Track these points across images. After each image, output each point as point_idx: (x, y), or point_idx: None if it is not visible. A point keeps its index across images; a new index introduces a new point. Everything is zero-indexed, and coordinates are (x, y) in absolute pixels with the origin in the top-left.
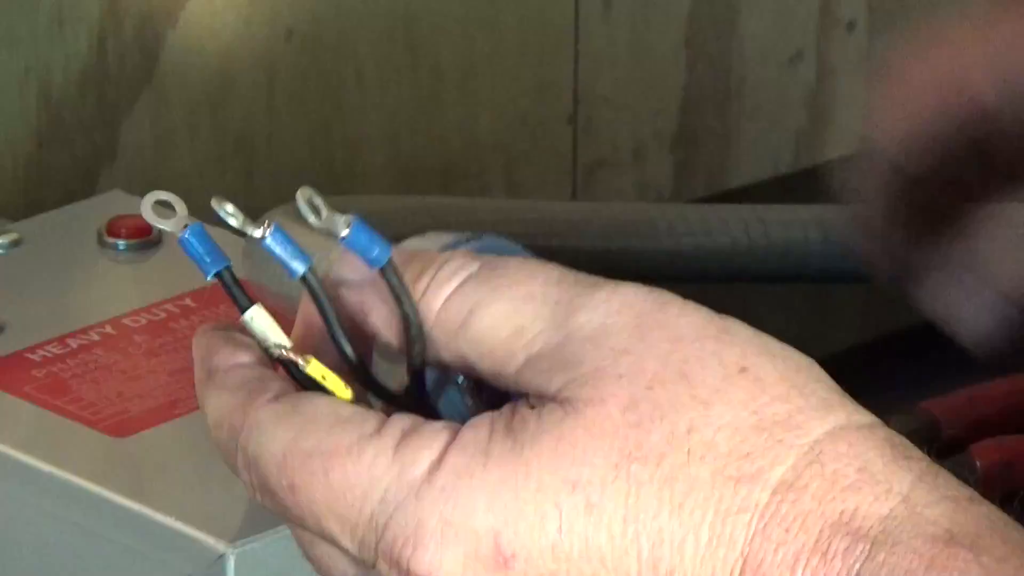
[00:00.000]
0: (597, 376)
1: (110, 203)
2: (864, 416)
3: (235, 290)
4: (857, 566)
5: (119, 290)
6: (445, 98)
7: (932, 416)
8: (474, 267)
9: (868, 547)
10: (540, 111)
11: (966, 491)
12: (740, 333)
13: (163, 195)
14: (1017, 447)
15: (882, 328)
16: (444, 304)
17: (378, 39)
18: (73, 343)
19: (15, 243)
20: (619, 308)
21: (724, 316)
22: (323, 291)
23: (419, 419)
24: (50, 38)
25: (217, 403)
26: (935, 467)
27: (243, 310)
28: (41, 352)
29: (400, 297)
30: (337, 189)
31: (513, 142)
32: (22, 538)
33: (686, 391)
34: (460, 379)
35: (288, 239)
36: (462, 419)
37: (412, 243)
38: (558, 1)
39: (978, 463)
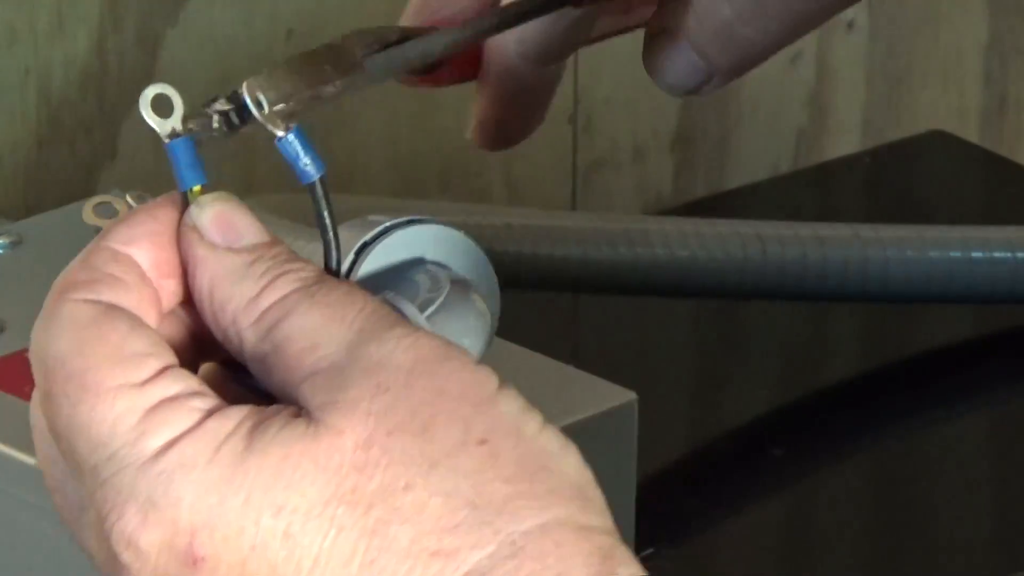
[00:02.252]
0: (350, 406)
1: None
2: (593, 517)
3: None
4: None
5: None
6: (445, 98)
7: None
8: (311, 278)
9: None
10: None
11: None
12: (506, 406)
13: (162, 88)
14: None
15: (881, 349)
16: (270, 305)
17: None
18: None
19: (15, 243)
20: (404, 348)
21: (505, 388)
22: (327, 203)
23: (193, 388)
24: (50, 38)
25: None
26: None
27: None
28: None
29: (323, 222)
30: (337, 189)
31: None
32: (22, 538)
33: (419, 447)
34: None
35: (308, 143)
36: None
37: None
38: None
39: None
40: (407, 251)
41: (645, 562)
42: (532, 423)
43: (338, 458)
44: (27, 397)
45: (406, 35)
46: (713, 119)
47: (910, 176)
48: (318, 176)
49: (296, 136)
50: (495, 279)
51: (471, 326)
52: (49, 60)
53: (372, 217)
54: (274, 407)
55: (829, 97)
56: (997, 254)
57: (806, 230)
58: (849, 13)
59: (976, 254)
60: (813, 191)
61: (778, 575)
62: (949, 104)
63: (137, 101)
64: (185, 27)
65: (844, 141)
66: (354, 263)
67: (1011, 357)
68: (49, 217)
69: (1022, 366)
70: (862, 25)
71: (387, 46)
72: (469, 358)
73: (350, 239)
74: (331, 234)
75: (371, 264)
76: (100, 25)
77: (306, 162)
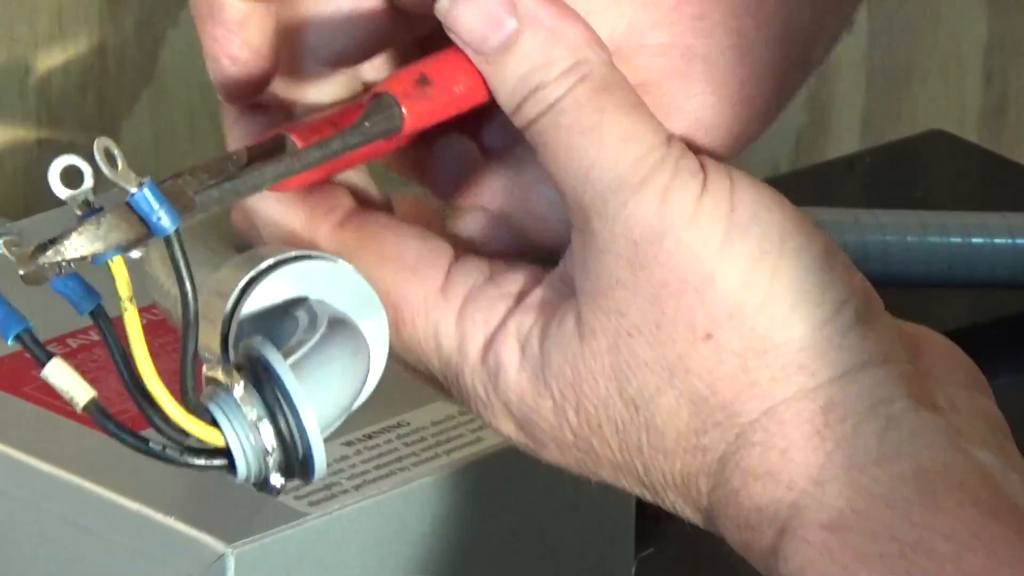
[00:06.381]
0: (599, 303)
1: (110, 203)
2: (819, 370)
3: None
4: (774, 556)
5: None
6: None
7: None
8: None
9: (776, 535)
10: None
11: (887, 447)
12: (726, 280)
13: (72, 160)
14: None
15: None
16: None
17: None
18: (73, 343)
19: (15, 243)
20: (624, 229)
21: (723, 249)
22: (183, 255)
23: (483, 271)
24: (50, 38)
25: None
26: (859, 432)
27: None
28: None
29: (180, 276)
30: None
31: None
32: (22, 538)
33: (655, 351)
34: (237, 385)
35: (161, 197)
36: (235, 426)
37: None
38: None
39: None
40: (293, 287)
41: (645, 562)
42: (757, 290)
43: (599, 363)
44: (27, 397)
45: (252, 155)
46: None
47: (910, 176)
48: (173, 229)
49: (150, 190)
50: (383, 312)
51: (347, 365)
52: (49, 60)
53: (260, 251)
54: (551, 291)
55: (829, 97)
56: (997, 240)
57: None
58: None
59: (976, 240)
60: (813, 191)
61: None
62: (949, 104)
63: (137, 101)
64: (185, 27)
65: (844, 141)
66: (239, 299)
67: (1012, 343)
68: (49, 217)
69: (1023, 352)
70: (862, 25)
71: (223, 179)
72: (682, 221)
73: (237, 273)
74: (188, 287)
75: (255, 301)
76: (100, 25)
77: (160, 215)
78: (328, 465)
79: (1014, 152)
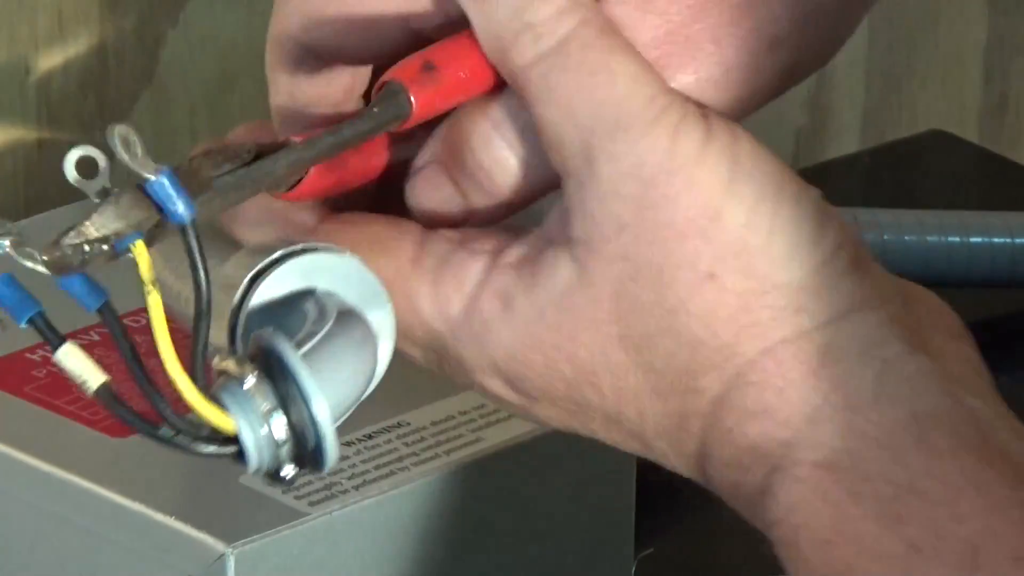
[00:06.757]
0: (600, 248)
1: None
2: (817, 310)
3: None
4: (764, 495)
5: (119, 290)
6: None
7: None
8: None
9: (768, 473)
10: None
11: (883, 390)
12: (732, 217)
13: (87, 150)
14: None
15: None
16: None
17: None
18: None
19: (19, 242)
20: (630, 169)
21: (729, 187)
22: (199, 245)
23: (452, 237)
24: (50, 38)
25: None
26: (855, 374)
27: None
28: (41, 352)
29: (195, 264)
30: None
31: None
32: (22, 538)
33: (658, 294)
34: (250, 376)
35: (179, 185)
36: (245, 413)
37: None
38: None
39: None
40: (300, 279)
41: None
42: (760, 230)
43: (600, 309)
44: (27, 397)
45: (260, 152)
46: None
47: (910, 176)
48: (189, 219)
49: (167, 178)
50: (389, 304)
51: (356, 357)
52: (49, 60)
53: (268, 243)
54: (528, 247)
55: (829, 97)
56: (995, 239)
57: None
58: None
59: (974, 239)
60: None
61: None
62: (949, 104)
63: (137, 101)
64: (185, 27)
65: (844, 141)
66: (247, 291)
67: (1010, 342)
68: (49, 217)
69: (1021, 351)
70: (862, 25)
71: (238, 166)
72: (689, 163)
73: (245, 266)
74: (202, 276)
75: (263, 293)
76: (100, 25)
77: (177, 205)
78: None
79: (1014, 152)
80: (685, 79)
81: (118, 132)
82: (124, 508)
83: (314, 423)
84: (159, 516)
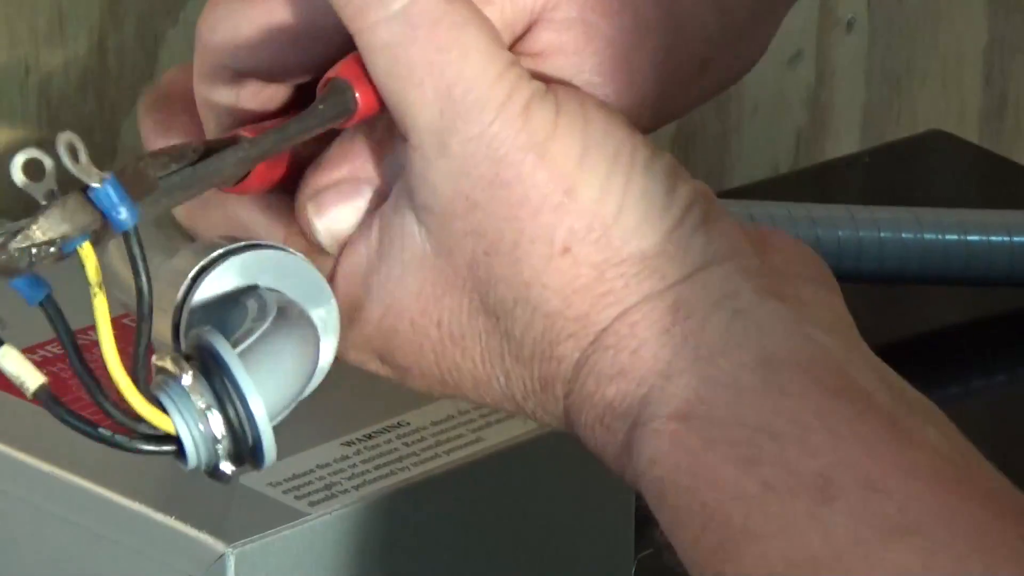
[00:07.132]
0: (448, 225)
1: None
2: (669, 270)
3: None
4: (627, 452)
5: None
6: None
7: None
8: None
9: (629, 430)
10: None
11: (732, 337)
12: (583, 195)
13: (33, 153)
14: None
15: (875, 331)
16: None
17: None
18: (49, 351)
19: None
20: (486, 148)
21: (581, 162)
22: (141, 250)
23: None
24: (50, 38)
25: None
26: (706, 326)
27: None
28: (41, 352)
29: (137, 269)
30: None
31: None
32: (22, 538)
33: (513, 269)
34: (186, 374)
35: (122, 192)
36: (181, 412)
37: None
38: None
39: None
40: (243, 276)
41: (645, 562)
42: (612, 201)
43: (459, 277)
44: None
45: (209, 148)
46: (713, 119)
47: (910, 176)
48: (132, 225)
49: (111, 186)
50: (334, 300)
51: (295, 353)
52: (49, 60)
53: (213, 240)
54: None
55: (829, 97)
56: (994, 237)
57: (800, 210)
58: (848, 12)
59: (972, 237)
60: (813, 191)
61: None
62: (949, 104)
63: (137, 101)
64: (185, 27)
65: (844, 141)
66: (189, 288)
67: (1008, 340)
68: None
69: (1019, 349)
70: (862, 25)
71: (184, 166)
72: (545, 145)
73: (189, 263)
74: (144, 281)
75: (206, 290)
76: (100, 25)
77: (121, 212)
78: (281, 453)
79: (1014, 152)
80: (626, 102)
81: (63, 139)
82: (124, 508)
83: (251, 420)
84: (159, 516)
